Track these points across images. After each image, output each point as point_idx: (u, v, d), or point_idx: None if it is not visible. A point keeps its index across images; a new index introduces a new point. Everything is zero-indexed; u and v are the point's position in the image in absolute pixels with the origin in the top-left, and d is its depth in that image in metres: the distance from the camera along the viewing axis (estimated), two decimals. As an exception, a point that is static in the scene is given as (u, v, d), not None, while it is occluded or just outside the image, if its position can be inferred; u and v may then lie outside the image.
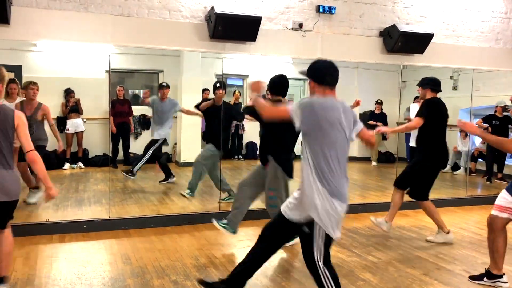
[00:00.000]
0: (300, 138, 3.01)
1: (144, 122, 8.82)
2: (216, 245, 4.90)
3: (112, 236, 5.08)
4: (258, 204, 5.05)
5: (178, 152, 8.91)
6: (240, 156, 9.89)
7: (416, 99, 7.91)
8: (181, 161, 8.54)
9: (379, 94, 9.28)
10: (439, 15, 6.89)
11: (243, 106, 9.60)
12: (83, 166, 8.34)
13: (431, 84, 5.05)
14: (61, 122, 8.01)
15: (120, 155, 8.42)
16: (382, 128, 5.37)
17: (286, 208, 3.03)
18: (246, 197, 4.71)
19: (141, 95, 7.66)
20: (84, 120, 8.16)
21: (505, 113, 8.20)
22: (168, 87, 7.23)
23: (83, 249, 4.66)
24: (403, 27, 6.40)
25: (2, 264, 3.37)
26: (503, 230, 3.82)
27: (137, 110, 8.74)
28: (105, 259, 4.40)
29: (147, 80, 9.55)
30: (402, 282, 3.97)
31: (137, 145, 7.57)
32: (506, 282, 3.88)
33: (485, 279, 3.94)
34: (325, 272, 2.84)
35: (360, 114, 10.03)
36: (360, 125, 2.98)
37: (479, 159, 9.07)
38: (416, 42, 6.50)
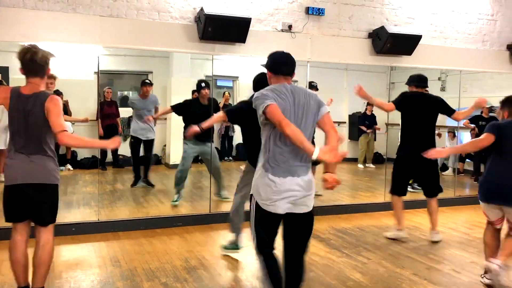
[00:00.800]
0: None
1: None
2: (206, 246, 4.89)
3: (101, 239, 5.04)
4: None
5: (167, 153, 8.88)
6: (230, 158, 9.89)
7: None
8: (171, 163, 8.51)
9: (368, 96, 9.32)
10: (427, 16, 6.96)
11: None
12: (71, 168, 8.27)
13: (415, 80, 5.21)
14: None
15: (109, 157, 8.36)
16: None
17: None
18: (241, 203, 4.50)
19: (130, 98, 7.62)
20: (73, 122, 8.09)
21: (491, 114, 8.28)
22: (151, 84, 7.13)
23: (72, 252, 4.62)
24: (392, 29, 6.45)
25: (37, 273, 3.18)
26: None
27: (125, 112, 8.68)
28: (94, 262, 4.36)
29: (136, 81, 9.48)
30: (392, 282, 3.99)
31: (126, 147, 7.53)
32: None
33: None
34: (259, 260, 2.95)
35: (349, 116, 10.11)
36: (324, 109, 2.89)
37: (467, 160, 9.16)
38: (405, 44, 6.55)
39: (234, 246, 4.57)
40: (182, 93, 7.02)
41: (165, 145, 9.03)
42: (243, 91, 9.16)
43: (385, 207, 6.66)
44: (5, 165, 3.15)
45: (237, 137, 9.73)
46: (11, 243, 3.19)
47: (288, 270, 2.97)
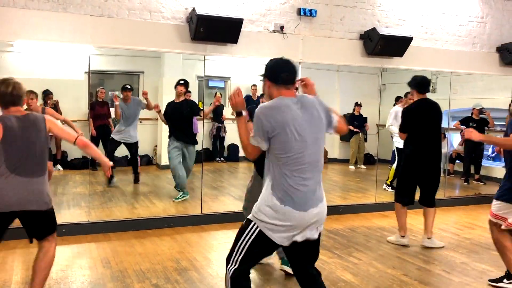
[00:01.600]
0: None
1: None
2: (197, 247, 4.88)
3: (92, 240, 5.01)
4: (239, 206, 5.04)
5: (159, 154, 8.84)
6: (222, 159, 9.87)
7: (398, 99, 8.01)
8: (162, 164, 8.47)
9: (359, 97, 9.36)
10: (418, 18, 7.00)
11: (224, 108, 9.61)
12: (62, 169, 8.21)
13: (418, 86, 5.03)
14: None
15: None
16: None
17: None
18: None
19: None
20: (63, 122, 8.03)
21: (481, 116, 8.36)
22: (131, 89, 7.30)
23: (62, 253, 4.57)
24: (383, 30, 6.48)
25: (35, 279, 3.19)
26: (504, 231, 3.85)
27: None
28: (84, 263, 4.33)
29: (127, 81, 9.44)
30: (382, 283, 4.00)
31: (120, 148, 7.52)
32: None
33: (505, 280, 3.92)
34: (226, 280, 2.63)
35: (341, 116, 10.13)
36: (335, 118, 2.72)
37: (457, 161, 9.23)
38: (396, 45, 6.59)
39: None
40: (174, 93, 6.99)
41: (156, 146, 8.99)
42: (235, 92, 9.15)
43: (376, 207, 6.70)
44: None
45: (229, 138, 9.72)
46: None
47: None
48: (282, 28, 6.09)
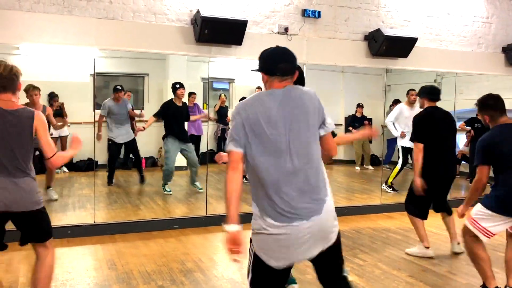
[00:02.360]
0: None
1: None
2: (202, 249, 4.88)
3: (97, 242, 5.02)
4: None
5: (163, 156, 8.85)
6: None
7: (394, 103, 7.99)
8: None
9: (364, 98, 9.34)
10: (423, 19, 6.98)
11: (229, 110, 9.61)
12: (67, 171, 8.23)
13: (429, 93, 4.76)
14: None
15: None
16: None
17: None
18: None
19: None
20: (69, 124, 8.07)
21: (486, 116, 8.31)
22: (122, 90, 7.37)
23: (67, 255, 4.60)
24: (388, 31, 6.47)
25: (37, 286, 3.07)
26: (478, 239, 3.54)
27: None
28: (90, 264, 4.35)
29: (132, 84, 9.48)
30: (388, 284, 3.99)
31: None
32: None
33: None
34: None
35: (345, 118, 10.12)
36: (329, 127, 2.38)
37: (463, 161, 9.19)
38: (400, 46, 6.57)
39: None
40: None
41: (161, 148, 9.00)
42: (239, 94, 9.15)
43: (381, 209, 6.68)
44: None
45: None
46: None
47: None
48: (286, 29, 6.09)
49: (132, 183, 7.69)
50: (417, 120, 4.70)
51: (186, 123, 7.46)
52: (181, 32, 5.61)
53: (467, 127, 8.22)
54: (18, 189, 2.89)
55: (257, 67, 2.39)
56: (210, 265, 4.39)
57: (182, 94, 6.85)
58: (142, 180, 7.57)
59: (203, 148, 7.98)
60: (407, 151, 7.27)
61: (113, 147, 7.38)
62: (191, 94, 8.46)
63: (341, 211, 6.46)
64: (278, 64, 2.30)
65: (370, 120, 9.37)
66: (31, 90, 5.74)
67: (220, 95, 9.41)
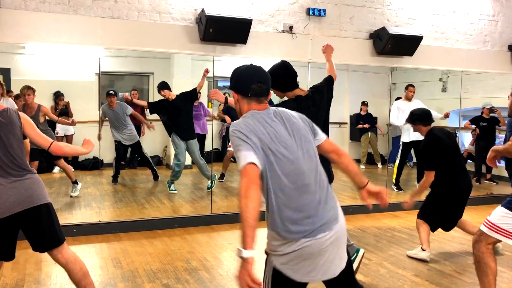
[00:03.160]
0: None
1: (137, 126, 8.80)
2: (207, 248, 4.89)
3: (103, 240, 5.04)
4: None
5: (168, 154, 8.88)
6: (232, 159, 9.86)
7: (397, 99, 7.96)
8: (172, 164, 8.51)
9: (369, 96, 9.32)
10: (428, 17, 6.95)
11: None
12: (73, 170, 8.26)
13: (422, 119, 4.68)
14: (50, 126, 7.94)
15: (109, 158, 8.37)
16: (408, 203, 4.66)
17: None
18: None
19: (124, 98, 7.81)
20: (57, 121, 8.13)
21: (492, 115, 8.28)
22: (114, 95, 7.40)
23: (73, 253, 4.62)
24: (393, 30, 6.45)
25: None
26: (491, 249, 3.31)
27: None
28: (95, 263, 4.36)
29: (137, 82, 9.51)
30: (393, 283, 3.98)
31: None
32: None
33: None
34: None
35: (350, 116, 10.11)
36: (321, 137, 2.36)
37: (468, 160, 9.15)
38: (406, 44, 6.55)
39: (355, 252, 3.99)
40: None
41: (166, 146, 9.02)
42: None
43: (386, 208, 6.65)
44: None
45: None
46: None
47: None
48: (291, 28, 6.08)
49: (138, 181, 7.72)
50: (427, 148, 4.59)
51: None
52: (185, 31, 5.62)
53: (473, 126, 8.19)
54: (19, 187, 2.87)
55: (229, 85, 2.30)
56: (215, 264, 4.40)
57: (165, 94, 6.83)
58: (156, 177, 7.65)
59: (208, 147, 7.98)
60: (407, 146, 7.26)
61: (119, 147, 7.47)
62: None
63: (346, 210, 6.44)
64: (251, 85, 2.19)
65: (375, 118, 9.35)
66: (24, 90, 5.82)
67: (224, 94, 9.42)
